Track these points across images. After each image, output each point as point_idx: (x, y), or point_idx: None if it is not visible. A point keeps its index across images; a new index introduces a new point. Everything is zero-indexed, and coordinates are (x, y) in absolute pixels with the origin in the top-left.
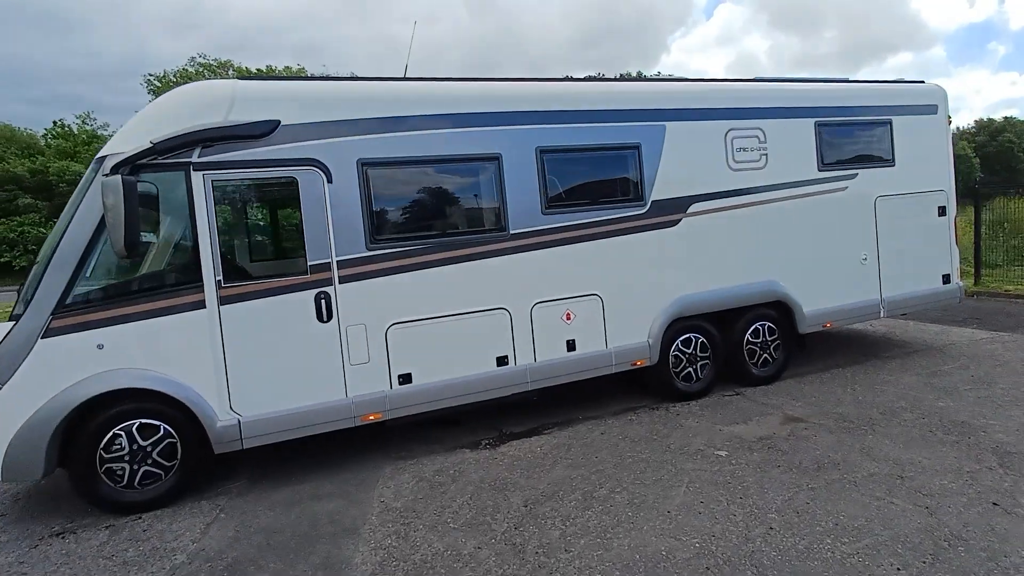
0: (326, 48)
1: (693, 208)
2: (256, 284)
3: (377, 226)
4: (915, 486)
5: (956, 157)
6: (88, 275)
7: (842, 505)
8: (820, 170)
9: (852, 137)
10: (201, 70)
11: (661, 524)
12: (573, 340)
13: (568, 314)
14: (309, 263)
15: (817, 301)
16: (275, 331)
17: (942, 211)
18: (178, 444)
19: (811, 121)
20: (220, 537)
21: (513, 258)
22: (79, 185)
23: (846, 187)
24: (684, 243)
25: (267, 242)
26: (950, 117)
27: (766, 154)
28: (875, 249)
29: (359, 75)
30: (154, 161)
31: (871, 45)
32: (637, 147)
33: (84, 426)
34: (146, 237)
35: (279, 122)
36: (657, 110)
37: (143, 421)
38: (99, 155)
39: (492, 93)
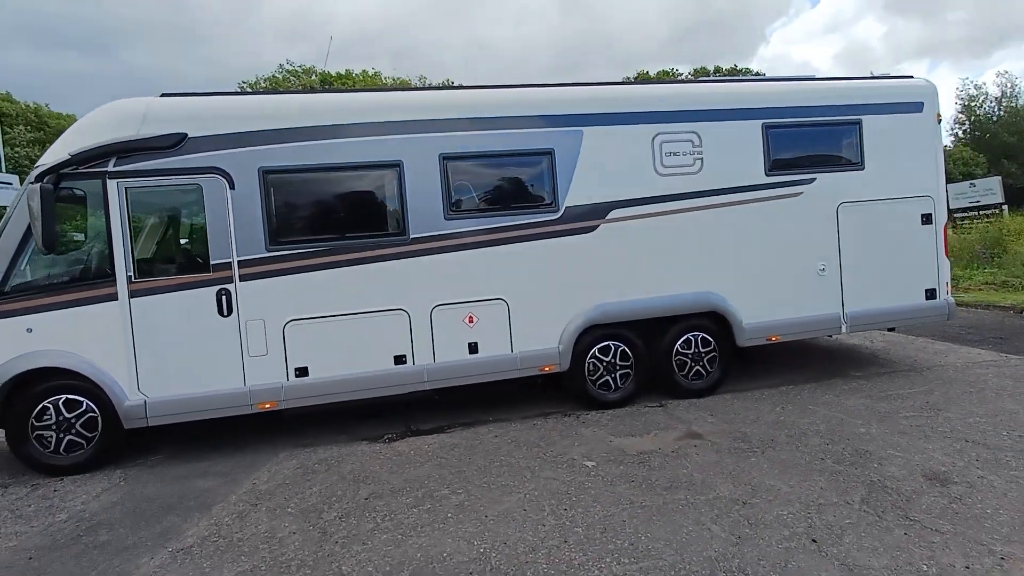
0: (419, 52)
1: (613, 214)
2: (163, 280)
3: (276, 229)
4: (749, 514)
5: None
6: (22, 268)
7: (657, 526)
8: (768, 175)
9: (809, 139)
10: (288, 76)
11: (469, 528)
12: (476, 343)
13: (470, 317)
14: (212, 262)
15: (761, 313)
16: (180, 322)
17: (927, 219)
18: (99, 418)
19: (758, 123)
20: (104, 502)
21: (413, 261)
22: (20, 190)
23: (800, 192)
24: (602, 250)
25: (176, 242)
26: (940, 115)
27: (701, 159)
28: (836, 259)
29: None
30: (76, 171)
31: (1007, 28)
32: (550, 152)
33: (19, 396)
34: (76, 236)
35: (186, 135)
36: (574, 115)
37: (68, 396)
38: (36, 164)
39: (393, 103)
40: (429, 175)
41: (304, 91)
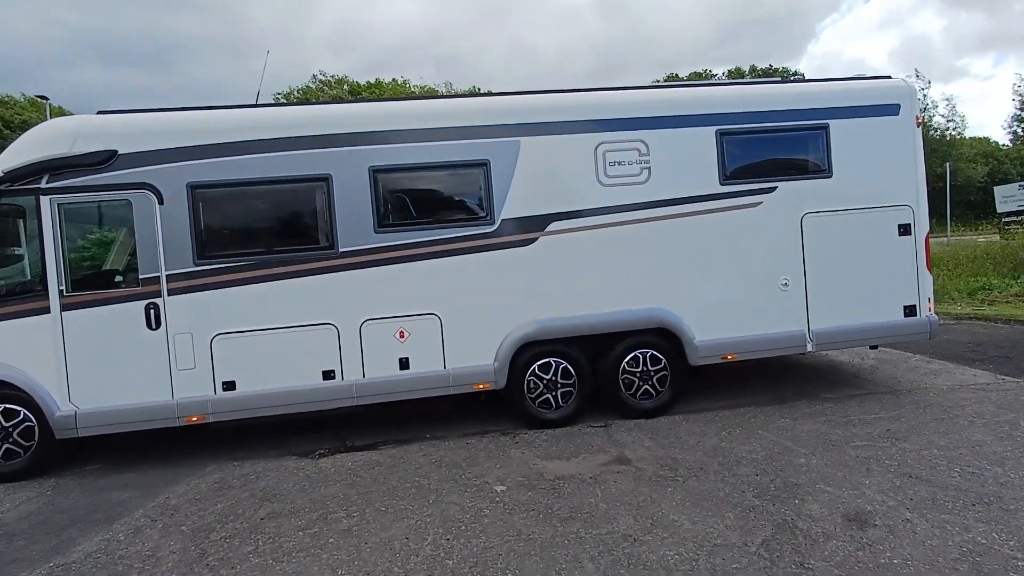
0: (461, 59)
1: (553, 227)
2: (94, 294)
3: (204, 243)
4: (633, 553)
5: None
6: None
7: (532, 562)
8: (723, 184)
9: (769, 146)
10: (321, 86)
11: (342, 556)
12: (407, 358)
13: (401, 332)
14: (141, 276)
15: (716, 330)
16: (110, 336)
17: (904, 230)
18: (36, 428)
19: (711, 130)
20: (23, 511)
21: (342, 275)
22: None
23: (759, 203)
24: (541, 263)
25: (107, 257)
26: (920, 118)
27: (648, 168)
28: (801, 273)
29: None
30: (10, 188)
31: None
32: (485, 164)
33: None
34: (15, 251)
35: (116, 151)
36: (510, 125)
37: (6, 406)
38: None
39: (322, 117)
40: (359, 188)
41: (233, 106)
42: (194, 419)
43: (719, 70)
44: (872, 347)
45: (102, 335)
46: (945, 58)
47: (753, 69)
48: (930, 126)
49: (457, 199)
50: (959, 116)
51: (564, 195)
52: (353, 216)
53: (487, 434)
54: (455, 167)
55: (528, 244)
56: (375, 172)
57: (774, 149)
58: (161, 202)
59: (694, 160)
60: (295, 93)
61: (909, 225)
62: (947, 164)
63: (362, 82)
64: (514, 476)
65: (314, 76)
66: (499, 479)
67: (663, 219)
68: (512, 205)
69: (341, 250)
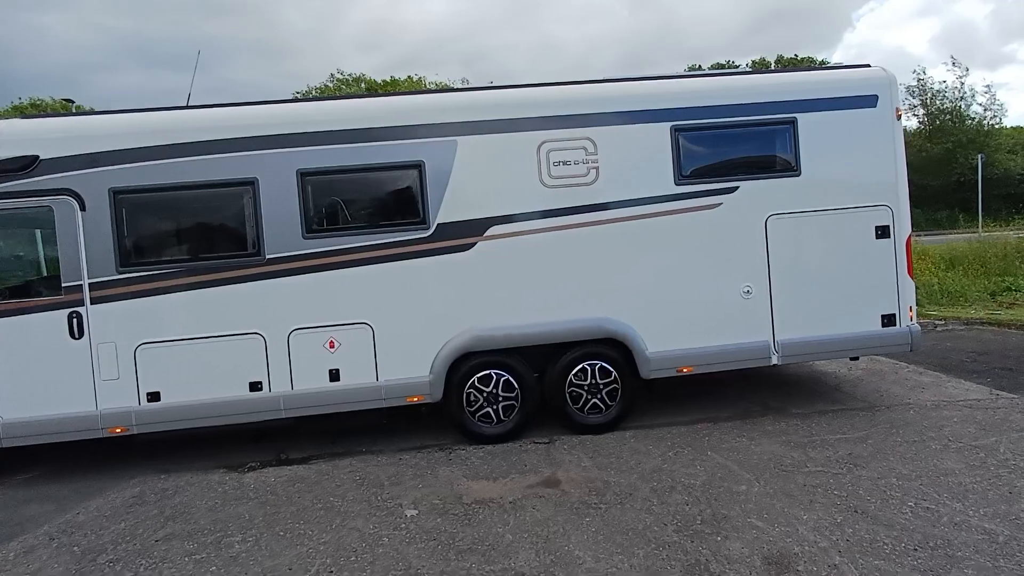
0: (488, 55)
1: (493, 231)
2: (16, 303)
3: (127, 251)
4: None
5: None
6: None
7: None
8: (679, 184)
9: (730, 143)
10: (338, 85)
11: None
12: (337, 370)
13: (332, 342)
14: (63, 284)
15: (670, 341)
16: (33, 345)
17: (882, 232)
18: None
19: (666, 126)
20: None
21: (269, 283)
22: None
23: (720, 203)
24: (479, 270)
25: (30, 264)
26: (901, 110)
27: (596, 167)
28: (765, 280)
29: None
30: None
31: None
32: (419, 165)
33: None
34: None
35: (38, 157)
36: (446, 124)
37: None
38: None
39: (247, 118)
40: (286, 192)
41: (158, 109)
42: (118, 431)
43: (745, 61)
44: (853, 359)
45: (25, 345)
46: (991, 44)
47: (780, 60)
48: (966, 116)
49: (390, 203)
50: (997, 104)
51: (505, 197)
52: (280, 221)
53: (424, 449)
54: (387, 169)
55: (466, 250)
56: (303, 175)
57: (735, 146)
58: (83, 208)
59: (646, 159)
60: (313, 91)
61: (888, 227)
62: (979, 156)
63: (379, 80)
64: (431, 499)
65: (331, 75)
66: (415, 502)
67: (612, 222)
68: (449, 208)
69: (268, 257)
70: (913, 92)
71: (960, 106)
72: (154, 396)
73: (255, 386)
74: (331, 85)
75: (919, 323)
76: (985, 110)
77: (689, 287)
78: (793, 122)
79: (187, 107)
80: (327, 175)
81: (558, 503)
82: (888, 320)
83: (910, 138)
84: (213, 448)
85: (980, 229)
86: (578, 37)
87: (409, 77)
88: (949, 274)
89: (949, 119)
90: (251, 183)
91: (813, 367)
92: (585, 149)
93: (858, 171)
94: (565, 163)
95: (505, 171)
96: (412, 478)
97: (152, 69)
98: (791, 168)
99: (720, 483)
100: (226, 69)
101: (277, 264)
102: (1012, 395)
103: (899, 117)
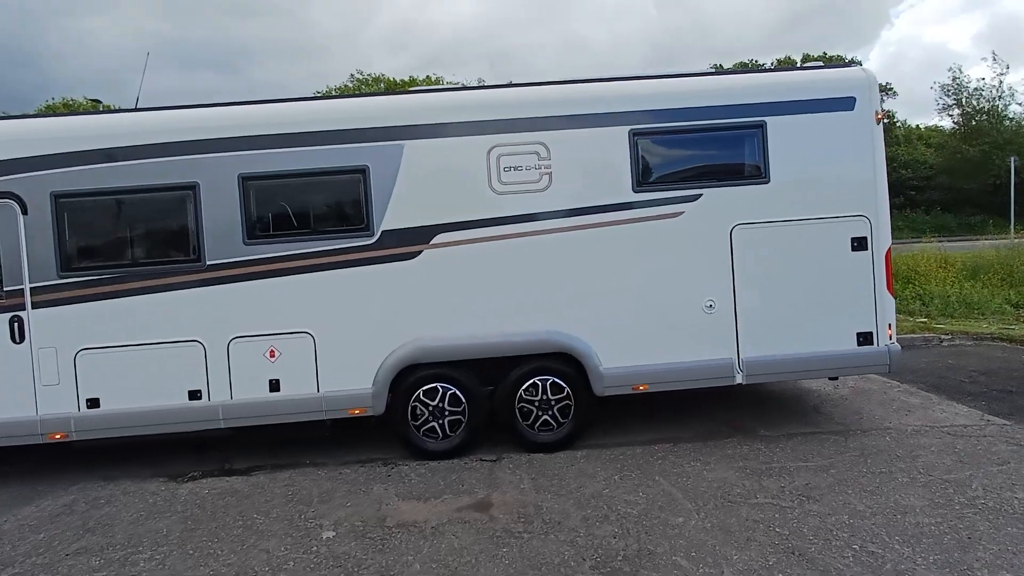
0: (515, 54)
1: (439, 239)
2: None
3: (69, 255)
4: None
5: None
6: None
7: None
8: (637, 191)
9: (693, 148)
10: (358, 85)
11: None
12: (277, 380)
13: (272, 351)
14: (4, 288)
15: (626, 357)
16: None
17: (859, 244)
18: None
19: (624, 130)
20: None
21: (210, 290)
22: None
23: (681, 212)
24: (425, 279)
25: None
26: (881, 112)
27: (549, 173)
28: (729, 294)
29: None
30: None
31: None
32: (363, 170)
33: None
34: None
35: None
36: (392, 127)
37: None
38: None
39: (188, 121)
40: (227, 197)
41: (100, 112)
42: (57, 437)
43: (772, 59)
44: (832, 378)
45: None
46: None
47: (807, 58)
48: (1004, 116)
49: (334, 209)
50: None
51: (452, 204)
52: (221, 227)
53: (368, 463)
54: (331, 174)
55: (411, 258)
56: (245, 180)
57: (699, 151)
58: (25, 212)
59: (603, 164)
60: (333, 91)
61: (865, 239)
62: (1012, 159)
63: (397, 80)
64: (354, 520)
65: (352, 75)
66: (337, 522)
67: (566, 231)
68: (394, 215)
69: (209, 263)
70: (948, 91)
71: (998, 105)
72: (94, 403)
73: (194, 395)
74: (351, 85)
75: (924, 337)
76: None
77: (647, 300)
78: (762, 126)
79: (133, 110)
80: (269, 180)
81: (480, 530)
82: (864, 339)
83: (944, 139)
84: (163, 455)
85: (1012, 235)
86: (605, 36)
87: (428, 77)
88: (967, 284)
89: (986, 119)
90: (192, 188)
91: (797, 384)
92: (537, 154)
93: (833, 179)
94: (516, 168)
95: (453, 177)
96: (344, 495)
97: (190, 70)
98: (759, 175)
99: (658, 513)
100: (258, 70)
101: (218, 271)
102: (1004, 421)
103: (879, 121)
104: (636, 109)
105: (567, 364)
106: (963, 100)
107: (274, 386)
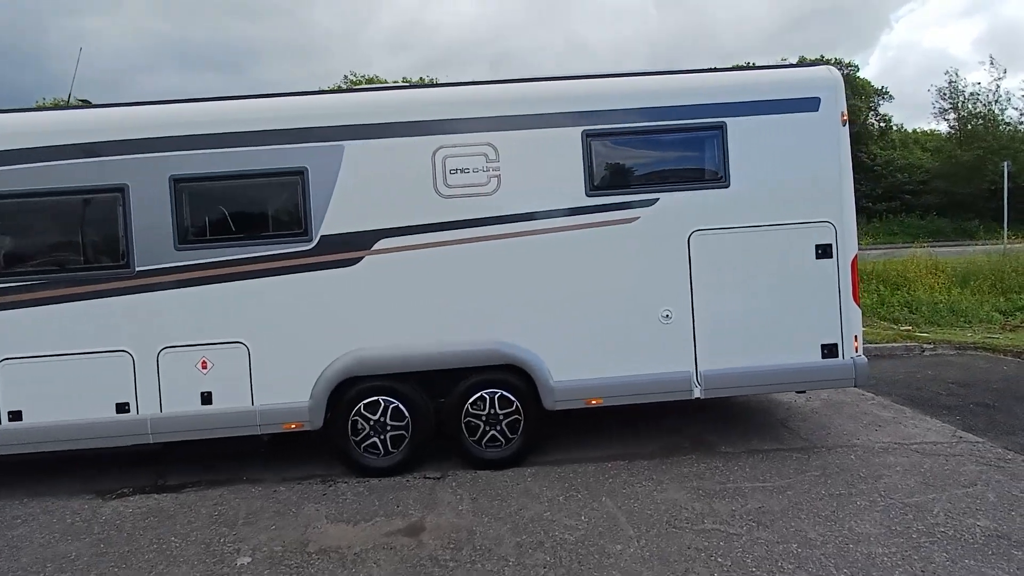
0: (517, 56)
1: (381, 244)
2: None
3: None
4: None
5: None
6: None
7: None
8: (591, 195)
9: (649, 150)
10: (351, 86)
11: None
12: (210, 392)
13: (204, 363)
14: None
15: (578, 370)
16: None
17: (824, 252)
18: None
19: (576, 131)
20: None
21: (139, 297)
22: None
23: (636, 218)
24: (367, 287)
25: None
26: (846, 115)
27: (498, 176)
28: (687, 304)
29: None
30: None
31: None
32: (302, 172)
33: None
34: None
35: None
36: (332, 128)
37: None
38: None
39: (118, 121)
40: (158, 200)
41: (21, 110)
42: None
43: (770, 62)
44: (799, 392)
45: None
46: None
47: (801, 61)
48: (1000, 120)
49: (270, 213)
50: None
51: (395, 208)
52: (152, 231)
53: (306, 480)
54: (267, 176)
55: (352, 264)
56: (176, 182)
57: (655, 153)
58: None
59: (554, 167)
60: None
61: (830, 246)
62: (1005, 163)
63: (390, 81)
64: (275, 544)
65: (345, 76)
66: (256, 547)
67: (515, 236)
68: (333, 219)
69: (138, 269)
70: (944, 95)
71: (994, 110)
72: (16, 415)
73: (122, 408)
74: (343, 86)
75: (905, 346)
76: (1021, 115)
77: (601, 310)
78: (721, 127)
79: (62, 107)
80: (202, 182)
81: (404, 558)
82: (829, 351)
83: (940, 143)
84: (97, 469)
85: (1006, 242)
86: (607, 37)
87: (421, 78)
88: (955, 291)
89: (982, 124)
90: (122, 190)
91: (767, 395)
92: (485, 156)
93: (796, 183)
94: (463, 171)
95: (396, 179)
96: (272, 516)
97: (192, 70)
98: (719, 179)
99: (596, 540)
100: (259, 69)
101: (147, 277)
102: (977, 439)
103: (845, 123)
104: (589, 109)
105: (516, 377)
106: (959, 104)
107: (206, 399)
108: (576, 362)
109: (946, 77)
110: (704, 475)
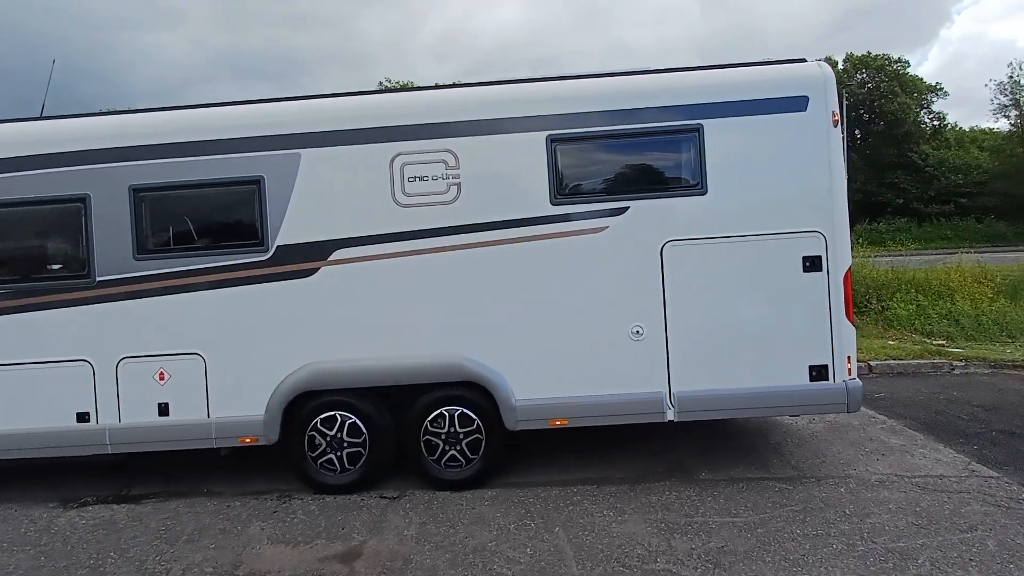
0: (559, 60)
1: (338, 255)
2: None
3: None
4: None
5: None
6: None
7: None
8: (556, 203)
9: (619, 155)
10: (387, 88)
11: None
12: (167, 404)
13: (162, 374)
14: None
15: (542, 389)
16: None
17: (812, 264)
18: None
19: (541, 136)
20: None
21: (100, 307)
22: None
23: (605, 227)
24: (323, 299)
25: None
26: (838, 115)
27: (458, 184)
28: (660, 320)
29: None
30: None
31: None
32: (258, 181)
33: None
34: None
35: None
36: (289, 135)
37: None
38: None
39: (79, 131)
40: (118, 210)
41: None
42: None
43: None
44: (792, 415)
45: None
46: None
47: (849, 58)
48: None
49: (227, 222)
50: None
51: (353, 218)
52: (112, 241)
53: (263, 495)
54: (225, 185)
55: (308, 275)
56: (136, 192)
57: (625, 159)
58: None
59: (517, 174)
60: None
61: (819, 258)
62: None
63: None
64: (207, 566)
65: (380, 83)
66: (188, 567)
67: (476, 247)
68: (290, 229)
69: (98, 279)
70: (1004, 90)
71: None
72: None
73: (83, 417)
74: (386, 90)
75: (933, 363)
76: None
77: (566, 325)
78: (698, 130)
79: (32, 119)
80: (160, 191)
81: None
82: (818, 373)
83: (999, 142)
84: (69, 476)
85: None
86: (651, 40)
87: (454, 83)
88: (1000, 302)
89: None
90: (82, 200)
91: (766, 417)
92: (445, 163)
93: (781, 190)
94: (422, 179)
95: (353, 188)
96: (216, 534)
97: (244, 80)
98: (695, 185)
99: (544, 572)
100: (308, 79)
101: (107, 287)
102: (992, 473)
103: (836, 123)
104: (554, 113)
105: (478, 394)
106: (1021, 100)
107: (163, 410)
108: (540, 380)
109: (1008, 71)
110: (672, 505)
